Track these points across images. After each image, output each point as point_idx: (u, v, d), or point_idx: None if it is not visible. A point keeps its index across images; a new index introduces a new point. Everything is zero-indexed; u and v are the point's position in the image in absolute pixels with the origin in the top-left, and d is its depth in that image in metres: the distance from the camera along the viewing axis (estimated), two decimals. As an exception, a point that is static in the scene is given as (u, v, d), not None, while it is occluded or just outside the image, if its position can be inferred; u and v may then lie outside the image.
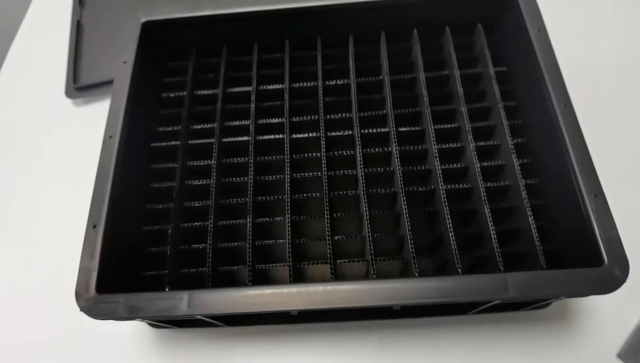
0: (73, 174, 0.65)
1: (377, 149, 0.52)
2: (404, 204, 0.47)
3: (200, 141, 0.54)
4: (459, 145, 0.51)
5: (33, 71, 0.76)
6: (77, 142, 0.68)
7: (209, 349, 0.52)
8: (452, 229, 0.45)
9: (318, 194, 0.50)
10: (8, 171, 0.67)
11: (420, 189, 0.50)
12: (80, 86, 0.70)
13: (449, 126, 0.52)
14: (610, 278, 0.39)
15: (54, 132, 0.69)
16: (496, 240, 0.45)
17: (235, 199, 0.51)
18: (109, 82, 0.69)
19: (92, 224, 0.45)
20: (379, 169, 0.51)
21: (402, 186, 0.48)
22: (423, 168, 0.50)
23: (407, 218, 0.46)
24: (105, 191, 0.46)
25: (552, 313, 0.52)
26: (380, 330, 0.52)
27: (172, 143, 0.54)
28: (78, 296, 0.42)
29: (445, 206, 0.46)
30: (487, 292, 0.39)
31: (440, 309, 0.51)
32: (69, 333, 0.55)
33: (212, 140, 0.52)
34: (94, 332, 0.54)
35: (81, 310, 0.41)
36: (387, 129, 0.52)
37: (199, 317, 0.45)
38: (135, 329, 0.54)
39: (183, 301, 0.40)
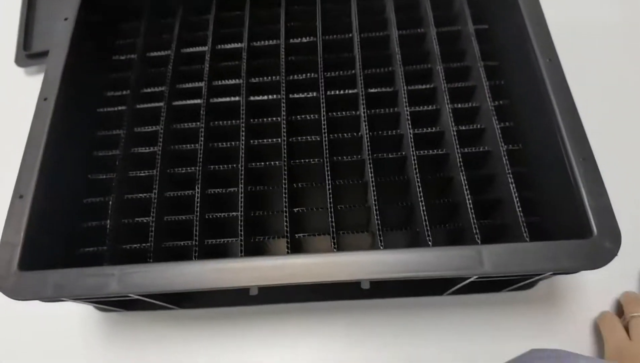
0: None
1: (344, 113, 0.47)
2: (371, 173, 0.42)
3: (148, 105, 0.48)
4: (434, 107, 0.46)
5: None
6: (25, 114, 0.62)
7: (160, 334, 0.48)
8: (422, 199, 0.40)
9: (277, 162, 0.45)
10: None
11: (391, 156, 0.45)
12: (32, 53, 0.65)
13: (424, 86, 0.47)
14: (600, 251, 0.35)
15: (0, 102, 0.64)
16: (472, 210, 0.40)
17: (185, 169, 0.46)
18: (63, 49, 0.63)
19: (18, 195, 0.40)
20: (345, 135, 0.46)
21: (370, 152, 0.43)
22: (394, 133, 0.45)
23: (373, 187, 0.41)
24: (35, 159, 0.41)
25: (537, 294, 0.47)
26: (348, 311, 0.47)
27: (119, 108, 0.49)
28: (-3, 274, 0.37)
29: (417, 174, 0.41)
30: (458, 266, 0.34)
31: (413, 289, 0.47)
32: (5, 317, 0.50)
33: (160, 104, 0.47)
34: (34, 315, 0.50)
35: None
36: (355, 91, 0.47)
37: (139, 298, 0.40)
38: (81, 312, 0.49)
39: (113, 279, 0.35)
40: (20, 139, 0.61)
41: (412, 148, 0.43)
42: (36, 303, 0.38)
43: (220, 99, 0.48)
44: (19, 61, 0.64)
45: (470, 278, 0.37)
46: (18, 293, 0.36)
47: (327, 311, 0.47)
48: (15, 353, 0.49)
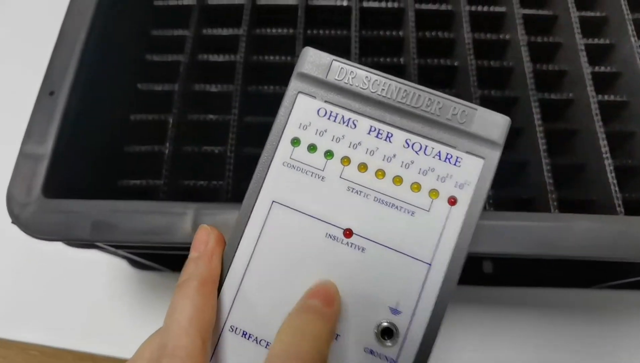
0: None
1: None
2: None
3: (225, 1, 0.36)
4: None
5: None
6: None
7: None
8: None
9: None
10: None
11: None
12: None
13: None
14: None
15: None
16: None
17: (270, 87, 0.34)
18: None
19: (48, 91, 0.28)
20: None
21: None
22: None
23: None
24: (73, 46, 0.29)
25: None
26: (467, 298, 0.36)
27: (184, 2, 0.37)
28: (10, 199, 0.25)
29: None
30: None
31: (553, 277, 0.36)
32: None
33: (242, 1, 0.35)
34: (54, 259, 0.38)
35: (13, 222, 0.25)
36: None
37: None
38: (112, 266, 0.38)
39: (186, 218, 0.24)
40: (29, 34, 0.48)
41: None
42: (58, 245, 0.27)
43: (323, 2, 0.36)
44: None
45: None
46: (40, 229, 0.25)
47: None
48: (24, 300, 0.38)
